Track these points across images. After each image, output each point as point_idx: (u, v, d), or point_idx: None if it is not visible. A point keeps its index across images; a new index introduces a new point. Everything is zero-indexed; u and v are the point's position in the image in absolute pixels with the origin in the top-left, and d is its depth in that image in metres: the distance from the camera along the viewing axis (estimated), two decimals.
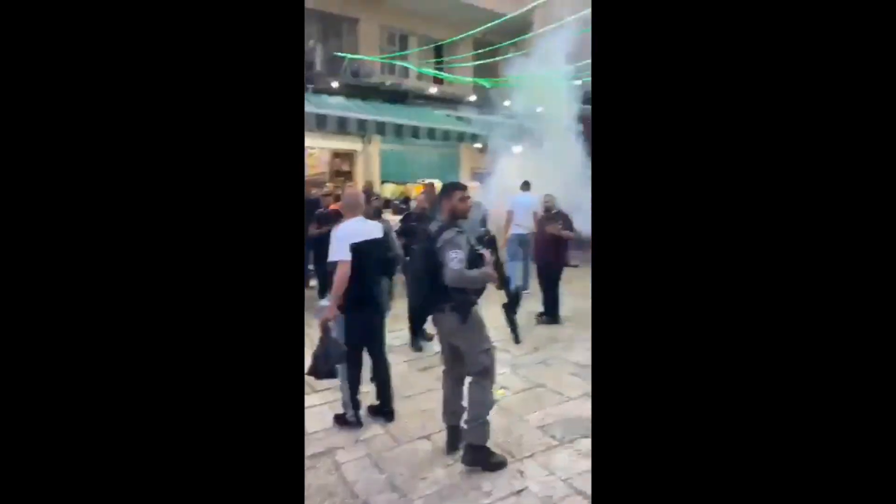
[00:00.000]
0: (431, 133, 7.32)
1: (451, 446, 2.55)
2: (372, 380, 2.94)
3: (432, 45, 8.05)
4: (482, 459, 2.40)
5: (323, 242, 3.04)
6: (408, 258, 3.22)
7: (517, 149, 7.43)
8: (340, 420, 2.82)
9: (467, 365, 2.45)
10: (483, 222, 7.02)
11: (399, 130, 6.96)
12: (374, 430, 2.78)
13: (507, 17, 6.41)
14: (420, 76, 8.28)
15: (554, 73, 6.80)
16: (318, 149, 8.13)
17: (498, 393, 3.28)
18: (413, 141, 7.46)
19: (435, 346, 3.62)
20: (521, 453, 2.53)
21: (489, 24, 6.56)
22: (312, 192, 5.98)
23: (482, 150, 7.77)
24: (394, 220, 4.96)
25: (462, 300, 2.38)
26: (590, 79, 7.61)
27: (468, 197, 2.51)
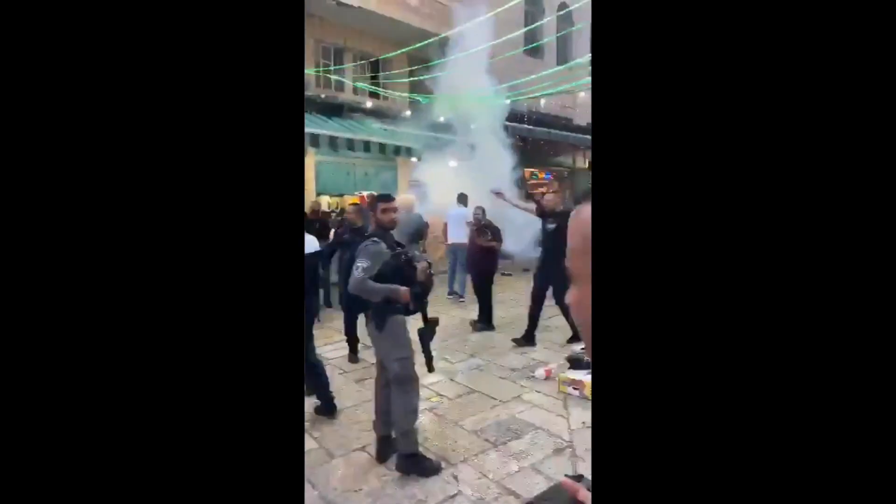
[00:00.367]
0: (367, 146, 7.33)
1: (381, 456, 2.56)
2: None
3: (368, 61, 8.10)
4: (414, 466, 2.43)
5: None
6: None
7: (452, 162, 7.62)
8: None
9: (386, 372, 2.48)
10: (421, 234, 7.08)
11: (334, 143, 6.91)
12: (309, 444, 2.73)
13: (439, 37, 6.60)
14: (356, 90, 8.29)
15: (479, 90, 7.15)
16: None
17: (433, 400, 3.33)
18: (348, 153, 7.43)
19: (372, 357, 3.62)
20: (455, 458, 2.59)
21: (421, 44, 6.72)
22: None
23: (418, 162, 7.90)
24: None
25: (377, 308, 2.39)
26: (518, 98, 8.06)
27: (393, 208, 2.54)
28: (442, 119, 7.92)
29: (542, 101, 8.89)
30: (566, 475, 0.59)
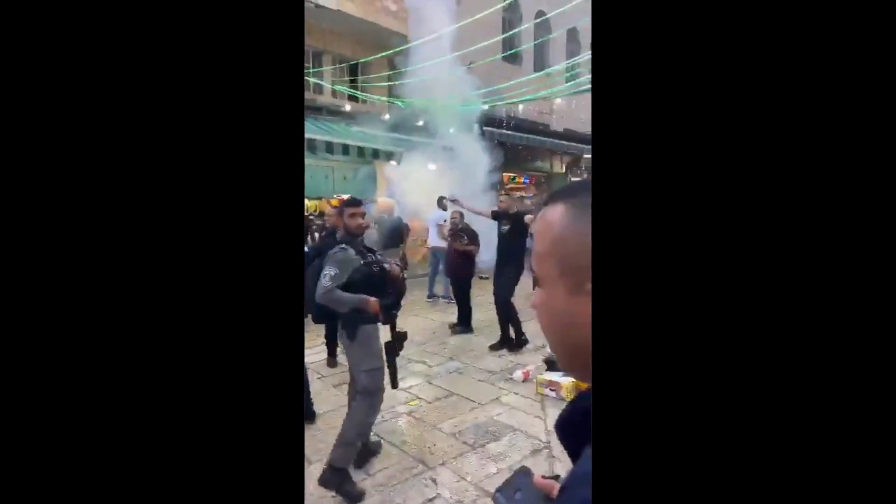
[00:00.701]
0: (346, 149, 7.29)
1: (358, 462, 2.54)
2: None
3: (347, 64, 8.07)
4: (336, 483, 2.26)
5: None
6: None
7: (432, 166, 7.65)
8: None
9: (353, 382, 2.42)
10: (401, 237, 7.08)
11: (313, 145, 6.86)
12: None
13: (416, 43, 6.63)
14: (335, 93, 8.24)
15: (455, 95, 7.23)
16: None
17: (411, 403, 3.33)
18: (327, 156, 7.38)
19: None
20: (434, 461, 2.59)
21: (400, 48, 6.74)
22: None
23: (398, 165, 7.90)
24: None
25: (347, 317, 2.31)
26: (496, 104, 8.15)
27: (360, 213, 2.44)
28: (420, 123, 7.95)
29: (521, 107, 9.00)
30: (543, 475, 0.60)
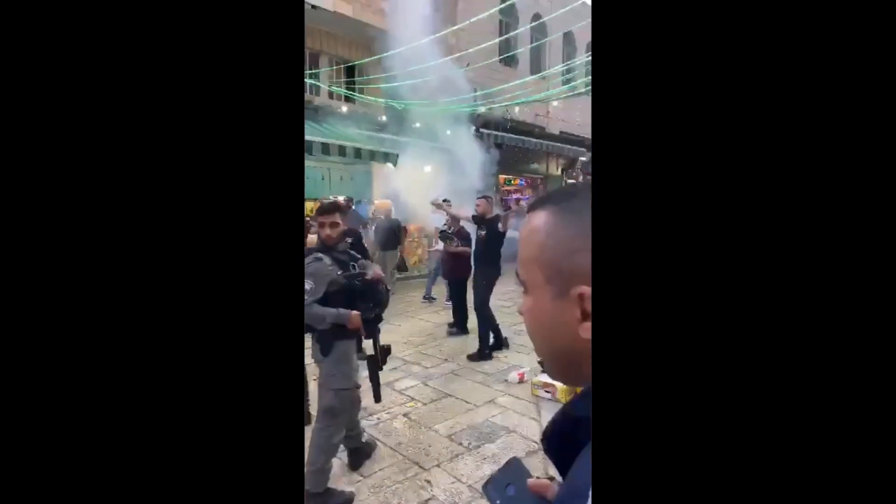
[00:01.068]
0: (342, 150, 7.30)
1: (353, 465, 2.55)
2: None
3: (343, 65, 8.07)
4: None
5: None
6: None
7: (427, 168, 7.67)
8: None
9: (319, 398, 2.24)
10: (398, 238, 7.09)
11: (309, 147, 6.85)
12: None
13: (411, 45, 6.64)
14: (332, 94, 8.25)
15: (450, 99, 7.26)
16: None
17: (408, 405, 3.33)
18: (324, 158, 7.38)
19: None
20: (429, 463, 2.59)
21: (396, 51, 6.75)
22: None
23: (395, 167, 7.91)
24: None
25: (322, 332, 2.17)
26: (493, 106, 8.18)
27: (334, 222, 2.21)
28: (417, 125, 7.97)
29: (517, 110, 9.03)
30: (538, 476, 0.60)
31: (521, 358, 4.25)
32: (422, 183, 7.15)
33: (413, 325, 5.30)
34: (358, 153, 7.53)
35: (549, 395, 3.35)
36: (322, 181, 8.36)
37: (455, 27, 6.47)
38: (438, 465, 2.57)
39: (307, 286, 2.09)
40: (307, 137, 6.85)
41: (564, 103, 10.38)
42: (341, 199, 7.27)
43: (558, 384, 3.30)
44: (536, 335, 0.47)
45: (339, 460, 2.61)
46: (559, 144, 11.18)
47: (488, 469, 2.54)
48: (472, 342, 4.77)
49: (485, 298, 4.40)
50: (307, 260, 2.15)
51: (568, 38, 11.01)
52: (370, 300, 2.26)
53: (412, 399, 3.45)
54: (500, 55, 8.77)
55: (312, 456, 2.20)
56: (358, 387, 2.39)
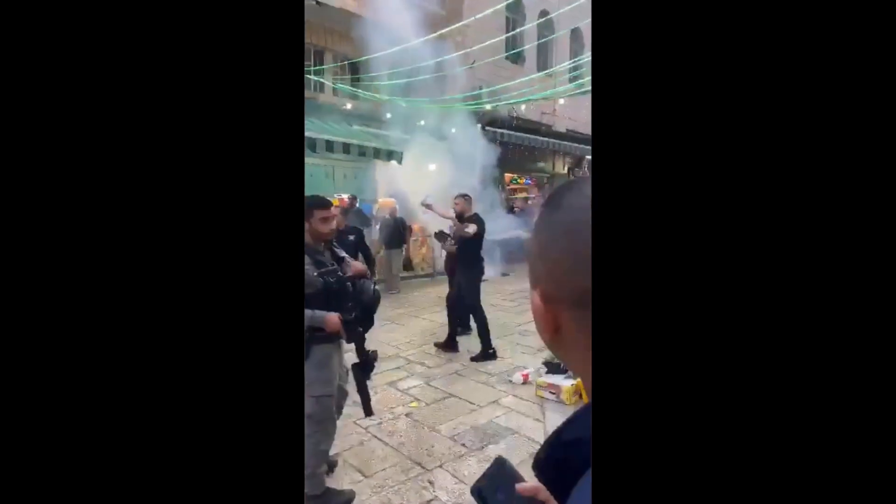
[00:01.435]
0: (346, 148, 7.28)
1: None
2: None
3: (348, 62, 8.05)
4: None
5: None
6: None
7: (432, 166, 7.64)
8: None
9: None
10: (402, 237, 7.08)
11: (313, 144, 6.84)
12: None
13: (415, 42, 6.61)
14: (336, 92, 8.23)
15: (454, 98, 7.22)
16: None
17: (411, 405, 3.31)
18: (328, 155, 7.37)
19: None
20: (432, 464, 2.57)
21: (400, 47, 6.72)
22: None
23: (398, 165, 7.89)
24: None
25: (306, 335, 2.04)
26: (499, 103, 8.15)
27: (331, 216, 2.08)
28: (422, 122, 7.93)
29: (523, 107, 8.98)
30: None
31: (525, 359, 4.22)
32: (426, 181, 7.12)
33: (416, 324, 5.28)
34: (362, 151, 7.51)
35: (553, 396, 3.32)
36: (326, 178, 8.35)
37: (461, 23, 6.42)
38: (441, 466, 2.55)
39: None
40: (311, 135, 6.84)
41: (571, 101, 10.30)
42: (345, 197, 7.27)
43: (563, 385, 3.27)
44: (538, 330, 0.50)
45: (342, 460, 2.59)
46: (566, 143, 11.11)
47: None
48: (476, 342, 4.74)
49: (475, 299, 4.35)
50: None
51: (575, 34, 10.90)
52: (350, 300, 2.12)
53: (415, 399, 3.42)
54: (506, 52, 8.71)
55: (305, 462, 2.16)
56: (345, 394, 2.30)
